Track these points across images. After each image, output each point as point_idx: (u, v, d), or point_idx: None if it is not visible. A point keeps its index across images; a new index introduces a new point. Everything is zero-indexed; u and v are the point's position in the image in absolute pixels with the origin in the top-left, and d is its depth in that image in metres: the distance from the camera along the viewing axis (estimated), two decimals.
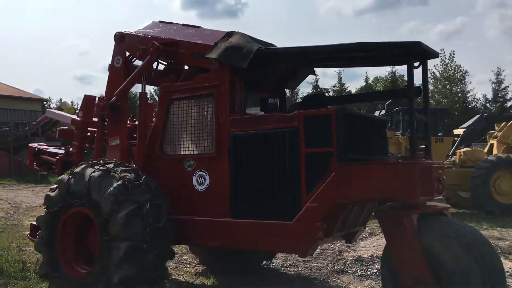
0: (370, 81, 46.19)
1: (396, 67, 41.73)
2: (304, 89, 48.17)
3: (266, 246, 4.67)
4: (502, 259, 6.89)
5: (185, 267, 6.79)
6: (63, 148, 6.39)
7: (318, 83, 45.05)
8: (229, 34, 5.08)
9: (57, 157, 6.20)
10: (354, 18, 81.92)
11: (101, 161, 4.99)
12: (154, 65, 5.46)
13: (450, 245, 3.82)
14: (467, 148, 14.95)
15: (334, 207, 4.21)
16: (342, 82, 45.69)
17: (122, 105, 5.56)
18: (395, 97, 5.19)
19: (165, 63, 5.54)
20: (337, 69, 44.26)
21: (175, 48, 5.24)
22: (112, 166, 4.84)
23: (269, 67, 5.07)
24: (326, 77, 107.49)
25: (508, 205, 12.64)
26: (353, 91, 51.87)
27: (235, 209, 4.72)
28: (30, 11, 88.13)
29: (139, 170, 5.17)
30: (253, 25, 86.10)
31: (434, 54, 4.38)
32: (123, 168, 4.86)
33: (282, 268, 6.71)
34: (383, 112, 18.19)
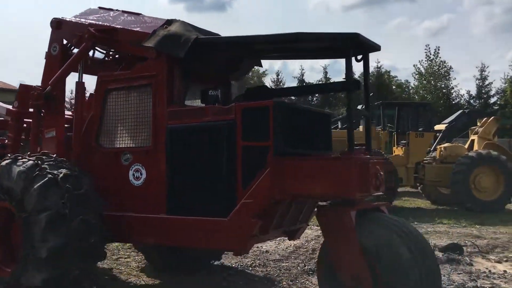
0: (356, 76, 46.20)
1: (381, 62, 42.10)
2: (290, 83, 47.60)
3: (202, 244, 4.49)
4: (479, 258, 7.06)
5: (127, 263, 6.58)
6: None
7: (303, 77, 44.99)
8: (169, 22, 4.87)
9: None
10: (342, 13, 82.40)
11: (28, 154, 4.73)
12: (92, 53, 5.20)
13: (387, 240, 3.74)
14: (448, 143, 14.93)
15: (269, 203, 4.06)
16: (328, 77, 45.55)
17: (58, 95, 5.29)
18: (335, 91, 5.08)
19: (104, 52, 5.28)
20: (323, 64, 43.96)
21: (112, 35, 4.99)
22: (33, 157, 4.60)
23: (209, 57, 4.88)
24: (313, 71, 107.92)
25: (487, 202, 12.56)
26: None
27: (171, 205, 4.53)
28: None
29: (75, 163, 4.96)
30: (242, 18, 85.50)
31: (374, 47, 4.27)
32: (45, 157, 4.62)
33: (250, 268, 6.45)
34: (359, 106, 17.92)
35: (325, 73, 45.55)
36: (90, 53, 5.23)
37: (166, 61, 4.61)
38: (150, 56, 4.66)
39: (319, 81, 45.04)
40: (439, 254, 7.11)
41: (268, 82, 44.08)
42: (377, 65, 42.39)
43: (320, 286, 4.35)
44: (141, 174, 4.72)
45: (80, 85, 5.16)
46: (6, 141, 5.88)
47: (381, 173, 4.16)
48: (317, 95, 48.04)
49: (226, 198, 4.24)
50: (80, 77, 5.19)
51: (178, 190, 4.49)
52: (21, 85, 5.84)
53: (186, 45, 4.46)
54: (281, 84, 41.83)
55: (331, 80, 44.63)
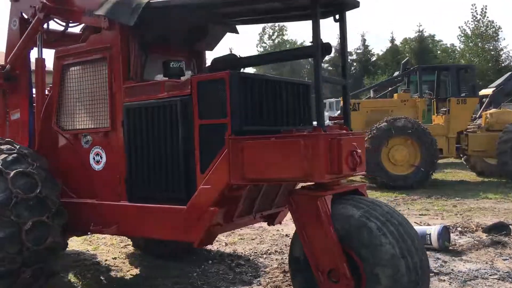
0: (396, 42, 44.29)
1: (423, 26, 40.17)
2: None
3: (161, 235, 4.05)
4: None
5: (111, 249, 6.29)
6: None
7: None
8: None
9: None
10: None
11: None
12: (46, 26, 4.76)
13: (365, 228, 3.19)
14: (495, 109, 13.61)
15: (229, 189, 3.57)
16: (366, 44, 43.80)
17: (20, 73, 4.91)
18: (303, 57, 4.43)
19: (63, 24, 4.83)
20: (360, 31, 42.47)
21: (65, 5, 4.52)
22: None
23: (168, 24, 4.34)
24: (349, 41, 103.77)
25: None
26: (381, 54, 49.86)
27: (131, 191, 4.09)
28: None
29: (36, 148, 4.61)
30: None
31: (350, 4, 3.62)
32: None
33: (265, 256, 5.77)
34: (397, 73, 16.67)
35: (364, 40, 43.83)
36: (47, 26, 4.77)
37: (119, 31, 4.09)
38: (103, 26, 4.17)
39: (357, 49, 43.05)
40: (482, 236, 6.30)
41: None
42: (419, 28, 40.48)
43: (294, 285, 3.84)
44: (101, 157, 4.30)
45: (39, 62, 4.74)
46: None
47: (358, 150, 3.56)
48: (355, 64, 46.42)
49: (185, 184, 3.76)
50: (39, 53, 4.77)
51: (138, 176, 4.04)
52: None
53: (137, 11, 3.92)
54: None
55: (370, 47, 42.96)
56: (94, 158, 4.33)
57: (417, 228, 5.10)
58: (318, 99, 3.41)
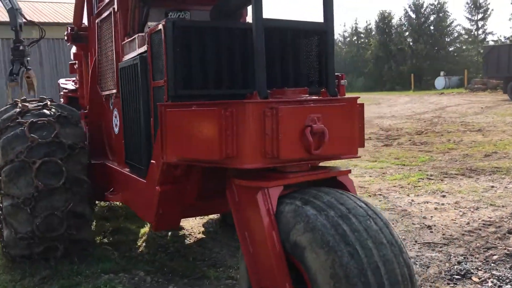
0: None
1: None
2: None
3: (136, 210, 3.66)
4: None
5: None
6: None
7: None
8: None
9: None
10: None
11: None
12: None
13: (319, 239, 2.18)
14: None
15: (167, 166, 2.91)
16: None
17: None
18: None
19: None
20: None
21: None
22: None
23: None
24: None
25: None
26: None
27: (126, 158, 3.83)
28: None
29: (88, 108, 4.72)
30: None
31: None
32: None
33: None
34: None
35: None
36: None
37: None
38: None
39: None
40: None
41: None
42: None
43: None
44: (117, 120, 4.13)
45: (90, 21, 4.76)
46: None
47: (321, 125, 2.42)
48: None
49: (147, 155, 3.29)
50: (92, 12, 4.77)
51: (126, 142, 3.76)
52: None
53: None
54: None
55: None
56: (114, 121, 4.19)
57: None
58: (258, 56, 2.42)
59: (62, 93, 6.48)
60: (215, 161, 2.51)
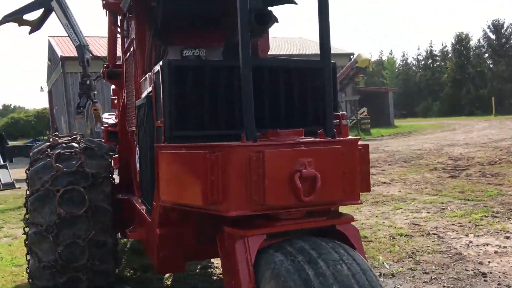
0: None
1: None
2: None
3: (145, 249, 3.54)
4: None
5: None
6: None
7: None
8: None
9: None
10: None
11: None
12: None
13: (281, 286, 1.96)
14: None
15: (163, 209, 2.77)
16: None
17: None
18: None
19: None
20: None
21: None
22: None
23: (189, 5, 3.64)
24: None
25: None
26: None
27: (142, 195, 3.75)
28: None
29: (120, 143, 4.76)
30: None
31: None
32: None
33: None
34: None
35: None
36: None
37: (136, 21, 3.75)
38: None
39: None
40: None
41: None
42: None
43: None
44: (138, 158, 4.09)
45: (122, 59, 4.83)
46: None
47: (311, 170, 2.17)
48: None
49: (151, 195, 3.17)
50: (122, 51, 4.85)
51: (142, 179, 3.68)
52: None
53: None
54: None
55: None
56: (136, 158, 4.15)
57: None
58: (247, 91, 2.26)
59: (102, 127, 6.63)
60: (201, 207, 2.34)
